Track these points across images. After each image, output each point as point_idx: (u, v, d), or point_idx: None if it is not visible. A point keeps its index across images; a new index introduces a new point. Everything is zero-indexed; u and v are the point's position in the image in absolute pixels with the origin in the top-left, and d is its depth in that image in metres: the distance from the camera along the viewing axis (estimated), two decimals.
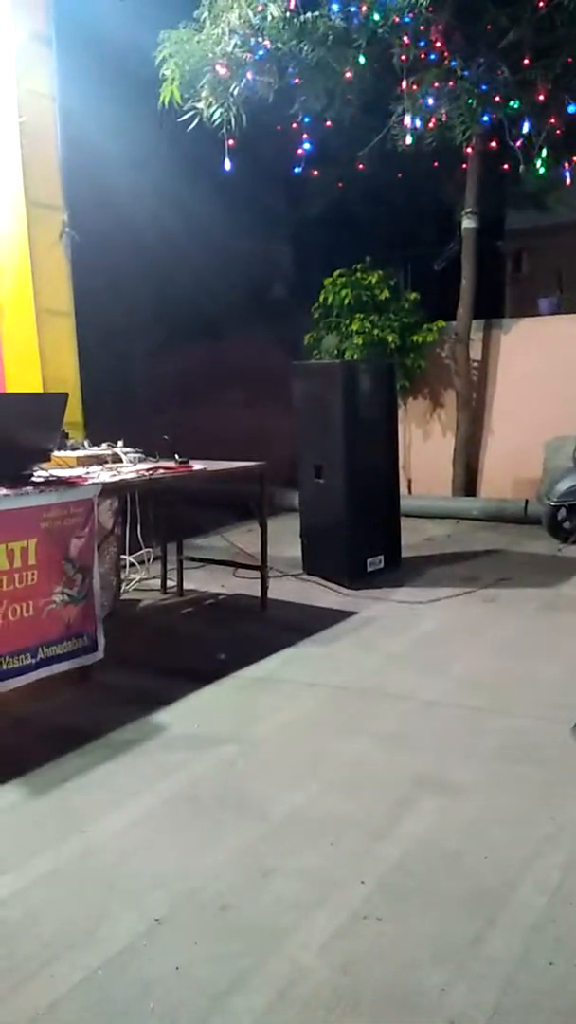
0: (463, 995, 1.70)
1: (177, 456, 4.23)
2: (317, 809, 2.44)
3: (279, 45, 4.88)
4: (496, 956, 1.81)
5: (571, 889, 2.03)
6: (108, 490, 3.54)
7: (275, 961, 1.82)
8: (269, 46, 4.88)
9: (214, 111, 5.12)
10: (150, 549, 5.13)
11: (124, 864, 2.20)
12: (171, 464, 4.15)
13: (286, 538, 5.49)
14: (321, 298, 7.25)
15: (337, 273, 7.19)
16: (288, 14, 4.78)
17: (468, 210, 6.93)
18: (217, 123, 5.18)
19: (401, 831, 2.31)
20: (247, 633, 4.13)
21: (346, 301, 7.06)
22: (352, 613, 4.41)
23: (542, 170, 5.57)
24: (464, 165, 6.78)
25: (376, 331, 7.00)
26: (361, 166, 6.39)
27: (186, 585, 4.92)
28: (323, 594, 4.82)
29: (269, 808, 2.45)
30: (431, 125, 5.54)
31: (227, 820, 2.40)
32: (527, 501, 6.70)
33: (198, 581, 5.00)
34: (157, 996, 1.73)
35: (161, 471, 3.97)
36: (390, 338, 7.01)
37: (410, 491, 7.66)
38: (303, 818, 2.40)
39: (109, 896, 2.07)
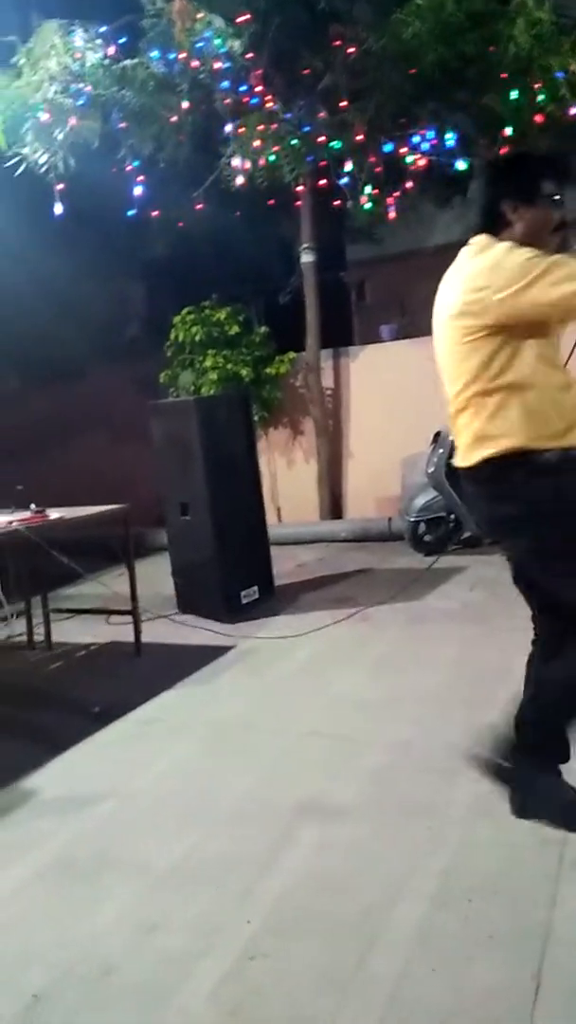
0: (350, 1018, 1.70)
1: (33, 506, 4.10)
2: (200, 855, 2.40)
3: (101, 91, 4.92)
4: (380, 973, 1.82)
5: (449, 894, 2.08)
6: None
7: (163, 1017, 1.76)
8: (91, 91, 4.90)
9: (39, 156, 5.07)
10: (13, 605, 4.92)
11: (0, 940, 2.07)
12: (26, 515, 4.02)
13: (159, 578, 5.42)
14: (172, 335, 7.28)
15: (186, 311, 7.26)
16: (107, 60, 4.82)
17: (305, 245, 7.17)
18: (44, 168, 5.13)
19: (284, 864, 2.30)
20: (122, 681, 4.03)
21: (197, 338, 7.12)
22: (229, 648, 4.39)
23: (368, 206, 5.86)
24: (298, 203, 7.04)
25: (229, 366, 7.09)
26: (199, 206, 6.51)
27: (55, 638, 4.75)
28: (199, 632, 4.77)
29: (151, 862, 2.38)
30: (260, 163, 5.73)
31: (107, 881, 2.31)
32: (390, 519, 6.93)
33: (68, 633, 4.84)
34: None
35: (15, 523, 3.83)
36: (244, 372, 7.12)
37: (279, 519, 7.75)
38: (186, 867, 2.34)
39: None
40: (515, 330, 2.15)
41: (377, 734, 3.09)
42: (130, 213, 5.75)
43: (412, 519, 6.07)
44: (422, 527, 6.10)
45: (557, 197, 2.21)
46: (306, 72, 5.74)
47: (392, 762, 2.85)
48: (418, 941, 1.92)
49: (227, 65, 5.22)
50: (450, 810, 2.49)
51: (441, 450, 5.90)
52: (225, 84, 5.27)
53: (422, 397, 7.15)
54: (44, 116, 4.90)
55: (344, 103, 5.55)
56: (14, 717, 3.66)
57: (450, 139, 5.87)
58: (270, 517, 6.00)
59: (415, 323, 8.77)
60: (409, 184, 6.18)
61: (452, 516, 5.99)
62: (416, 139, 5.85)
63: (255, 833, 2.47)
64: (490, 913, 2.00)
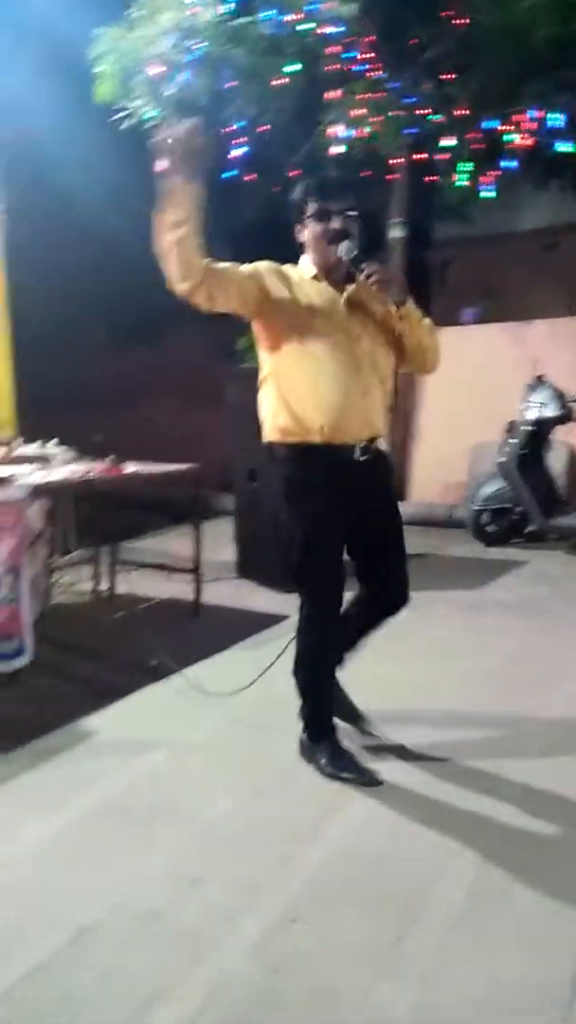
0: (386, 993, 1.75)
1: (111, 457, 4.19)
2: (247, 815, 2.46)
3: (213, 48, 4.89)
4: (416, 954, 1.86)
5: (487, 882, 2.11)
6: (39, 491, 3.49)
7: (203, 968, 1.83)
8: (204, 47, 4.88)
9: (147, 111, 5.09)
10: (82, 552, 5.06)
11: (49, 875, 2.17)
12: (104, 465, 4.11)
13: (220, 542, 5.49)
14: None
15: None
16: (220, 18, 4.80)
17: (396, 219, 7.06)
18: (150, 124, 5.15)
19: (329, 834, 2.34)
20: (180, 638, 4.12)
21: None
22: (285, 617, 4.43)
23: (461, 182, 5.73)
24: (392, 175, 6.91)
25: None
26: (293, 172, 6.44)
27: (118, 589, 4.87)
28: (257, 598, 4.84)
29: (199, 815, 2.46)
30: (360, 134, 5.64)
31: (157, 828, 2.39)
32: (453, 505, 6.87)
33: (131, 584, 4.96)
34: (80, 1006, 1.72)
35: (94, 473, 3.93)
36: None
37: None
38: (232, 825, 2.41)
39: (32, 907, 2.04)
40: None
41: (426, 716, 3.11)
42: (228, 175, 5.74)
43: (477, 508, 6.01)
44: (486, 517, 6.04)
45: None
46: (413, 42, 5.60)
47: (439, 744, 2.87)
48: (454, 926, 1.95)
49: (337, 30, 5.13)
50: (492, 797, 2.51)
51: (513, 440, 5.82)
52: (333, 49, 5.18)
53: (499, 384, 7.05)
54: (155, 70, 4.90)
55: (449, 76, 5.42)
56: (74, 662, 3.79)
57: (555, 119, 5.68)
58: None
59: (499, 307, 8.61)
60: (508, 163, 6.01)
61: (518, 508, 5.92)
62: (520, 118, 5.68)
63: (302, 800, 2.53)
64: (528, 904, 2.02)
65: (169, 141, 2.21)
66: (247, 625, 4.26)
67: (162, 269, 2.34)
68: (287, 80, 5.31)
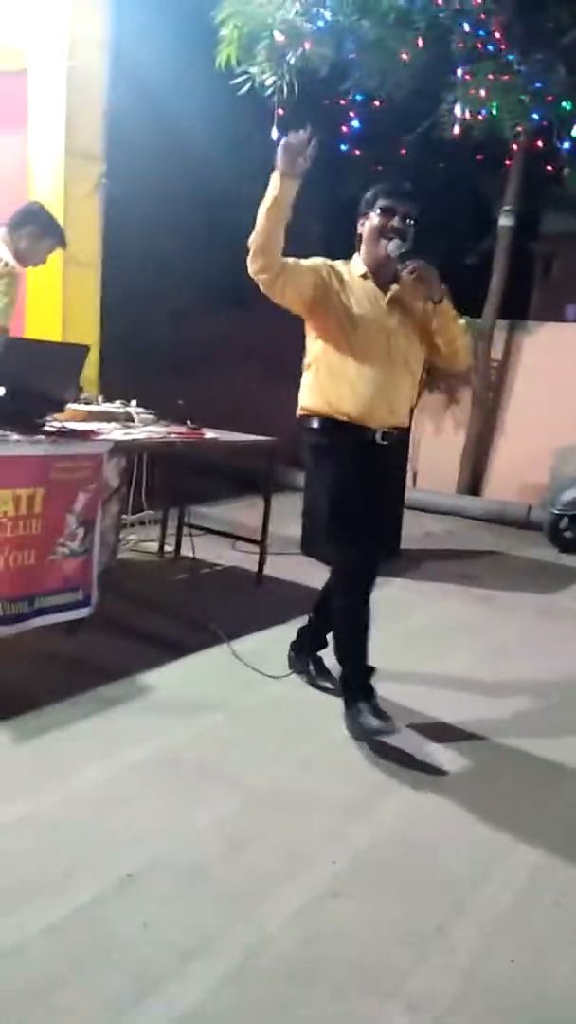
0: (424, 979, 1.72)
1: (189, 422, 4.21)
2: (297, 784, 2.47)
3: (340, 18, 4.81)
4: (459, 946, 1.83)
5: (538, 889, 2.06)
6: (119, 448, 3.53)
7: (242, 928, 1.84)
8: (329, 17, 4.81)
9: (268, 77, 5.04)
10: (151, 512, 5.13)
11: (101, 817, 2.22)
12: (183, 429, 4.13)
13: (287, 517, 5.49)
14: None
15: None
16: None
17: (507, 207, 6.87)
18: (269, 91, 5.11)
19: (377, 816, 2.33)
20: (240, 606, 4.14)
21: None
22: None
23: None
24: (508, 161, 6.71)
25: None
26: (404, 151, 6.33)
27: (183, 552, 4.92)
28: (318, 576, 4.79)
29: (249, 779, 2.47)
30: (480, 117, 5.48)
31: (207, 787, 2.42)
32: (530, 506, 6.70)
33: (196, 549, 5.00)
34: (122, 949, 1.75)
35: (173, 435, 3.96)
36: None
37: (415, 484, 7.65)
38: (282, 792, 2.42)
39: (83, 847, 2.08)
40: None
41: (483, 715, 3.05)
42: (343, 148, 5.67)
43: (556, 511, 5.85)
44: (565, 522, 5.87)
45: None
46: (550, 25, 5.39)
47: (496, 745, 2.82)
48: (501, 927, 1.91)
49: (469, 6, 4.98)
50: (553, 801, 2.45)
51: None
52: (464, 25, 5.03)
53: None
54: (280, 37, 4.85)
55: None
56: (137, 617, 3.84)
57: None
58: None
59: None
60: None
61: None
62: None
63: (351, 778, 2.52)
64: None
65: (291, 143, 2.48)
66: (306, 602, 4.23)
67: (248, 255, 2.60)
68: (408, 56, 5.19)
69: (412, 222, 2.72)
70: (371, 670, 2.83)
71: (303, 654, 3.24)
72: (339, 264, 2.80)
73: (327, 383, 2.75)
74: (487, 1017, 1.65)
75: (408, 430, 2.84)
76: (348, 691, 2.81)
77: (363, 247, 2.77)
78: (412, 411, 2.87)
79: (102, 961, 1.71)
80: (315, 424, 2.80)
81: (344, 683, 2.83)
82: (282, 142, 2.49)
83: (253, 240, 2.58)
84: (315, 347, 2.82)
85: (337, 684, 3.09)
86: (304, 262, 2.71)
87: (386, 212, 2.70)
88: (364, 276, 2.77)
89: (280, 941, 1.81)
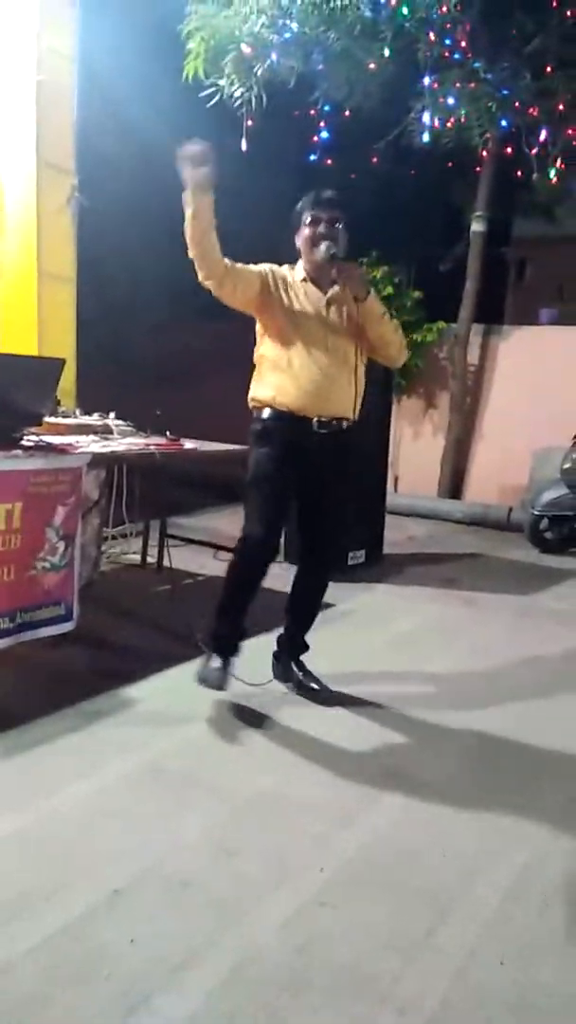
0: (414, 983, 1.72)
1: (168, 433, 4.21)
2: (284, 792, 2.46)
3: (306, 30, 4.85)
4: (447, 950, 1.83)
5: (525, 890, 2.07)
6: (97, 461, 3.52)
7: (231, 939, 1.84)
8: (296, 29, 4.84)
9: (235, 90, 5.07)
10: (132, 524, 5.11)
11: (87, 833, 2.20)
12: (162, 440, 4.13)
13: None
14: None
15: None
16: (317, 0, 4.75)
17: (478, 213, 6.94)
18: (237, 103, 5.13)
19: (364, 823, 2.33)
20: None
21: None
22: (330, 605, 4.41)
23: (551, 178, 5.59)
24: (478, 168, 6.78)
25: None
26: (375, 159, 6.37)
27: (165, 563, 4.91)
28: None
29: (235, 788, 2.46)
30: (449, 124, 5.54)
31: (192, 797, 2.41)
32: (511, 508, 6.75)
33: (178, 560, 4.99)
34: (112, 965, 1.74)
35: (152, 446, 3.95)
36: None
37: (396, 488, 7.69)
38: (268, 801, 2.41)
39: (70, 863, 2.07)
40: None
41: (469, 717, 3.07)
42: (312, 158, 5.70)
43: (536, 512, 5.89)
44: (545, 523, 5.91)
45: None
46: (514, 32, 5.46)
47: (481, 747, 2.83)
48: (488, 929, 1.91)
49: (434, 15, 5.03)
50: (538, 805, 2.46)
51: None
52: (430, 35, 5.08)
53: (568, 388, 6.89)
54: (247, 49, 4.88)
55: (550, 68, 5.27)
56: (119, 630, 3.83)
57: None
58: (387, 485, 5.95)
59: (573, 311, 8.41)
60: None
61: None
62: None
63: (339, 784, 2.52)
64: (566, 918, 1.97)
65: (186, 154, 2.61)
66: None
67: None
68: (376, 66, 5.23)
69: (340, 224, 2.91)
70: (242, 633, 3.05)
71: (285, 660, 3.27)
72: (284, 268, 3.01)
73: (270, 376, 2.96)
74: (477, 1019, 1.65)
75: (352, 425, 3.02)
76: (213, 641, 3.02)
77: (303, 256, 2.98)
78: (358, 407, 3.02)
79: (92, 977, 1.70)
80: (259, 414, 3.01)
81: (212, 635, 3.03)
82: (178, 154, 2.62)
83: (190, 253, 2.76)
84: (262, 344, 3.03)
85: (324, 686, 3.17)
86: (250, 266, 2.92)
87: (314, 222, 2.91)
88: (304, 280, 2.97)
89: (271, 949, 1.80)
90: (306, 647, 3.27)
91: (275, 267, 3.00)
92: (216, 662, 2.97)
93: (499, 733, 2.96)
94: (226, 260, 2.82)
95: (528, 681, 3.51)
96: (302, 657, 3.27)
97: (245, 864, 2.10)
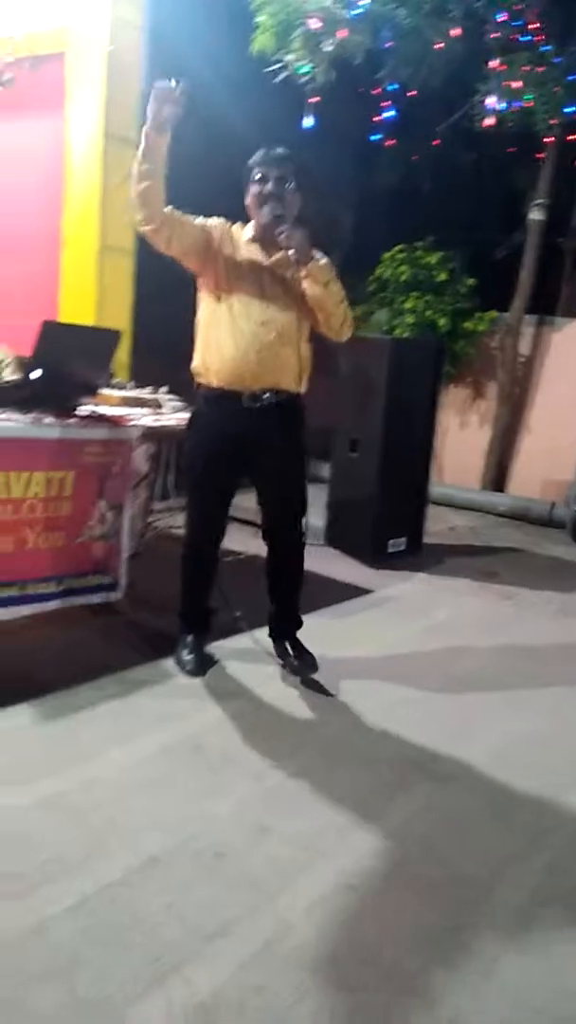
0: (442, 977, 1.73)
1: None
2: (316, 776, 2.48)
3: (376, 6, 4.76)
4: (474, 947, 1.84)
5: (551, 892, 2.06)
6: (149, 434, 3.55)
7: (263, 915, 1.86)
8: (366, 4, 4.76)
9: (302, 65, 5.01)
10: (178, 499, 5.14)
11: (125, 799, 2.25)
12: None
13: (312, 507, 5.45)
14: (378, 272, 7.15)
15: (397, 248, 7.08)
16: None
17: (539, 201, 6.78)
18: (304, 79, 5.07)
19: (391, 813, 2.33)
20: (262, 595, 4.14)
21: (403, 278, 6.96)
22: (368, 591, 4.42)
23: None
24: (540, 155, 6.62)
25: (428, 312, 6.91)
26: (436, 141, 6.26)
27: None
28: (342, 568, 4.82)
29: (270, 768, 2.49)
30: (514, 109, 5.41)
31: (228, 773, 2.44)
32: (553, 504, 6.66)
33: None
34: (146, 930, 1.78)
35: None
36: (441, 321, 6.92)
37: (439, 478, 7.62)
38: (301, 783, 2.43)
39: (107, 828, 2.11)
40: None
41: (501, 713, 3.05)
42: (376, 137, 5.62)
43: None
44: None
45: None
46: None
47: (512, 744, 2.82)
48: (515, 928, 1.91)
49: None
50: (561, 806, 2.44)
51: None
52: (499, 16, 4.96)
53: None
54: (315, 23, 4.81)
55: None
56: (162, 604, 3.85)
57: None
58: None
59: None
60: None
61: None
62: None
63: (369, 772, 2.53)
64: None
65: (157, 91, 2.50)
66: (328, 593, 4.25)
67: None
68: (443, 45, 5.12)
69: (291, 184, 2.73)
70: (210, 612, 3.17)
71: (280, 641, 3.25)
72: (236, 227, 2.85)
73: (204, 344, 2.85)
74: (504, 1017, 1.66)
75: (296, 397, 2.87)
76: (181, 620, 3.13)
77: (251, 215, 2.81)
78: (304, 380, 2.89)
79: (125, 941, 1.74)
80: (196, 392, 2.93)
81: (179, 614, 3.14)
82: (152, 90, 2.52)
83: (131, 193, 2.65)
84: (200, 307, 2.89)
85: (309, 662, 3.14)
86: (197, 219, 2.77)
87: (262, 179, 2.74)
88: (251, 240, 2.81)
89: (298, 931, 1.83)
90: (298, 623, 3.26)
91: (229, 224, 2.85)
92: (188, 641, 3.08)
93: (530, 731, 2.94)
94: (169, 207, 2.69)
95: (563, 680, 3.47)
96: (298, 634, 3.26)
97: (277, 844, 2.13)
